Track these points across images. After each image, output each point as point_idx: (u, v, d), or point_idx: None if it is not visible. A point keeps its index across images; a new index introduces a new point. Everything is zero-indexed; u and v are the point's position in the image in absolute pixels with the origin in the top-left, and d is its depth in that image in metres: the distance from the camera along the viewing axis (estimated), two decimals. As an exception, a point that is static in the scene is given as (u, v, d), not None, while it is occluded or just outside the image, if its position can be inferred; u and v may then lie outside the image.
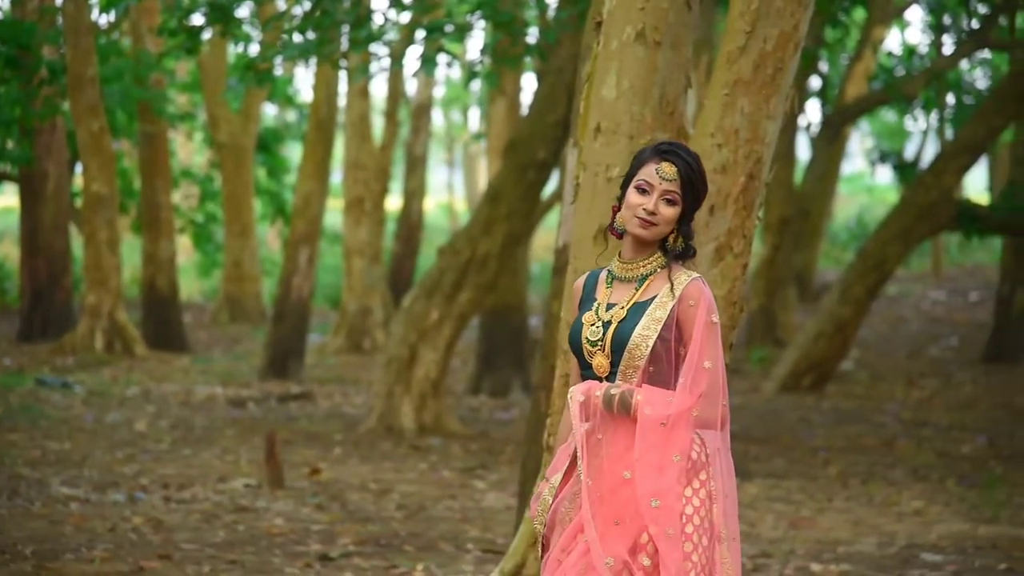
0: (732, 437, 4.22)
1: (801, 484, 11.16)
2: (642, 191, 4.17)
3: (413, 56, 13.24)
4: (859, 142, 47.50)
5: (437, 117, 39.08)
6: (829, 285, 23.66)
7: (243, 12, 14.56)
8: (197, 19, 12.56)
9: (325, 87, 17.61)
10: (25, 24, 17.05)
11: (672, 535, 4.04)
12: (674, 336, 4.13)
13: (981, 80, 24.58)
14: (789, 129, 19.90)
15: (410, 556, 8.35)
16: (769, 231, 20.00)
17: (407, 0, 12.26)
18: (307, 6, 12.26)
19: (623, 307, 4.18)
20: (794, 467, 11.95)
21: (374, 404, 13.61)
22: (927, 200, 15.95)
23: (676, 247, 4.20)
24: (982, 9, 18.34)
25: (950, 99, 23.98)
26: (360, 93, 20.08)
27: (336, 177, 29.87)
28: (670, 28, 6.09)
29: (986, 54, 22.78)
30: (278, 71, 17.92)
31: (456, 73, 35.53)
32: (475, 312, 14.00)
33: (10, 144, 18.55)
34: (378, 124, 24.51)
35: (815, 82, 24.08)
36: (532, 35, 12.58)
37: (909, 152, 31.96)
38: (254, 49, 13.98)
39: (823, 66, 23.75)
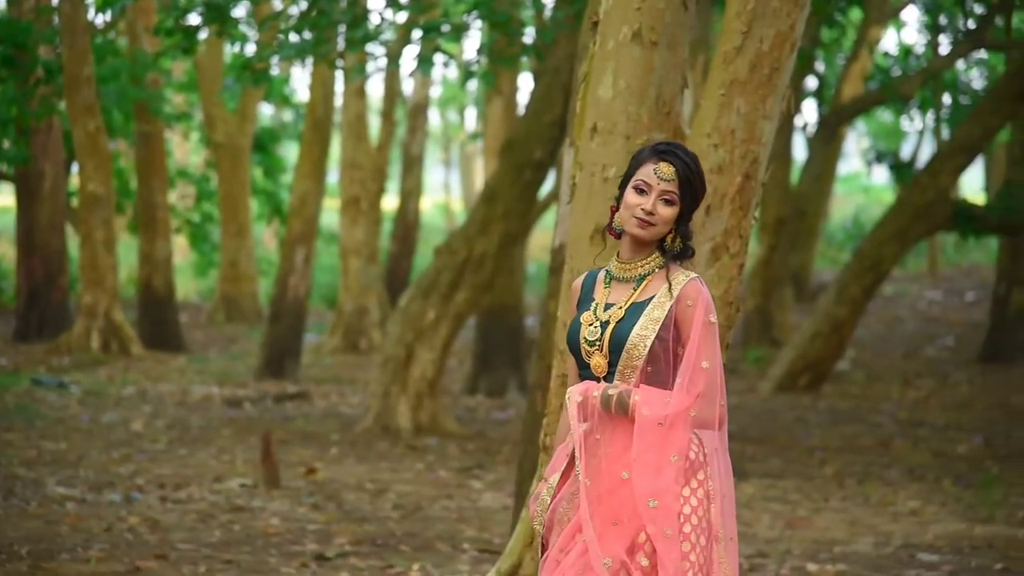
0: (729, 437, 4.22)
1: (797, 484, 11.16)
2: (640, 191, 4.17)
3: (409, 56, 13.22)
4: (855, 142, 47.50)
5: (434, 117, 39.05)
6: (825, 285, 23.68)
7: (239, 12, 14.52)
8: (193, 19, 12.54)
9: (321, 87, 17.60)
10: (21, 23, 17.04)
11: (670, 535, 4.04)
12: (672, 336, 4.13)
13: (977, 80, 24.59)
14: (785, 129, 19.89)
15: (406, 556, 8.34)
16: (765, 231, 19.99)
17: (404, 0, 12.25)
18: (303, 6, 12.25)
19: (621, 307, 4.18)
20: (790, 467, 11.95)
21: (370, 404, 13.61)
22: (923, 200, 15.95)
23: (674, 247, 4.20)
24: (978, 9, 18.36)
25: (946, 99, 24.01)
26: (356, 93, 20.07)
27: (332, 177, 29.83)
28: (666, 28, 6.09)
29: (982, 54, 22.78)
30: (274, 71, 17.88)
31: (453, 73, 35.57)
32: (471, 312, 14.00)
33: (6, 144, 18.54)
34: (374, 124, 24.54)
35: (811, 82, 24.08)
36: (529, 35, 12.56)
37: (905, 152, 31.94)
38: (250, 49, 13.98)
39: (819, 66, 23.75)
